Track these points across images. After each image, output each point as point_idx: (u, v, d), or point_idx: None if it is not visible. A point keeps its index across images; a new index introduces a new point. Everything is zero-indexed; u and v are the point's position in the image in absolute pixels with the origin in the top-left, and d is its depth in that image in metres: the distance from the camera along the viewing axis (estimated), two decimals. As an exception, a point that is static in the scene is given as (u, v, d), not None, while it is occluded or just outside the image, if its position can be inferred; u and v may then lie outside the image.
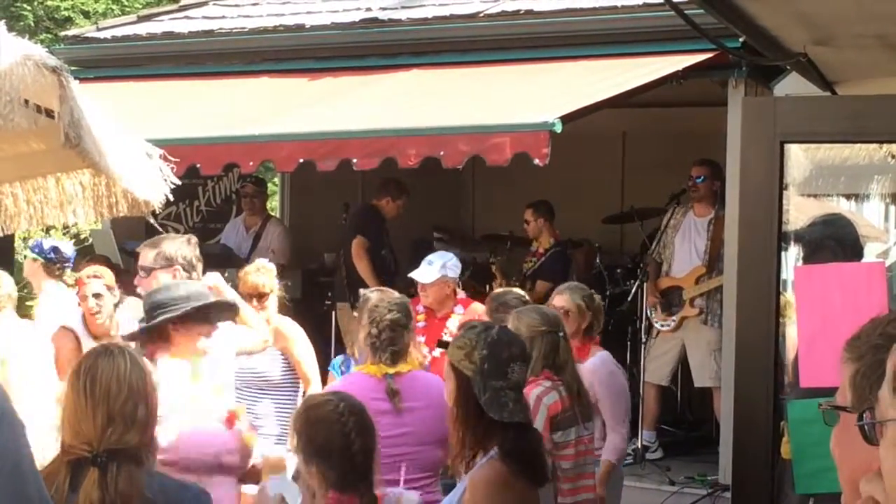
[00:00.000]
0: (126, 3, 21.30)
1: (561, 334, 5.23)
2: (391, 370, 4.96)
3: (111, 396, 3.27)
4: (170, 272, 5.12)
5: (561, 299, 6.05)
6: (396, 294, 5.91)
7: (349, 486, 3.53)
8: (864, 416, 1.72)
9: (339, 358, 6.56)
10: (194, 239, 5.39)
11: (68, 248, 8.03)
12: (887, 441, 1.65)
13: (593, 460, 5.46)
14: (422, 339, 7.43)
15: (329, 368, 6.54)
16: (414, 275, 7.45)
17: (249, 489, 4.63)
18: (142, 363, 3.42)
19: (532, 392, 5.03)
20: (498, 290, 6.97)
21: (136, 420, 3.29)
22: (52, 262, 7.81)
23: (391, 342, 5.01)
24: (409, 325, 5.11)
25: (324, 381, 6.52)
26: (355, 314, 6.30)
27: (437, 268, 7.32)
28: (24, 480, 2.37)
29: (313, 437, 3.55)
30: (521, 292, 6.43)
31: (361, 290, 6.42)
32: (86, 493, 3.18)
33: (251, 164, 8.43)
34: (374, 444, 3.63)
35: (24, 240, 16.67)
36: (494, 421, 3.74)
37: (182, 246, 5.21)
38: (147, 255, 5.21)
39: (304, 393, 6.43)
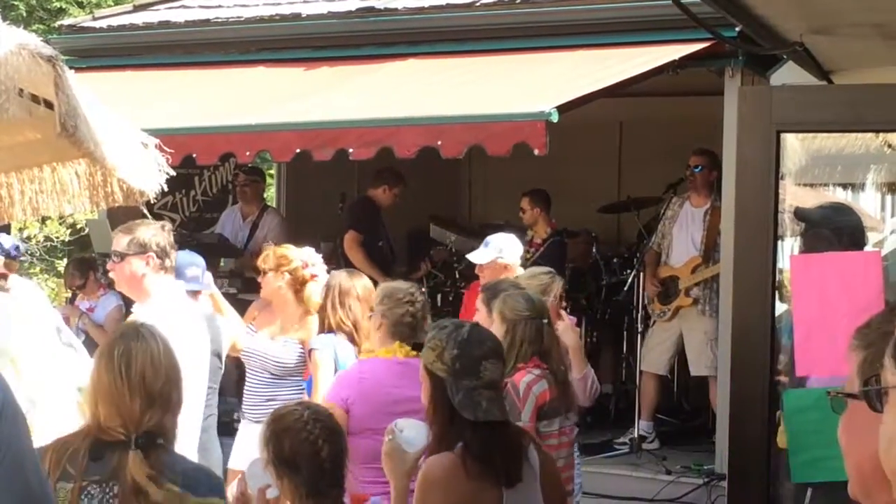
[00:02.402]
0: (121, -7, 21.23)
1: (545, 321, 5.19)
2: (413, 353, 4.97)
3: (147, 380, 3.32)
4: (143, 258, 5.12)
5: (558, 287, 6.09)
6: (366, 281, 5.97)
7: (321, 493, 3.52)
8: (870, 382, 1.73)
9: (323, 338, 5.97)
10: (168, 226, 5.38)
11: (7, 240, 7.96)
12: (890, 406, 1.66)
13: (574, 451, 5.43)
14: None
15: (314, 348, 5.94)
16: (470, 256, 7.42)
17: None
18: (170, 346, 3.44)
19: (521, 380, 5.02)
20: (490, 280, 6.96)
21: (171, 403, 3.36)
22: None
23: (422, 327, 5.04)
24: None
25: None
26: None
27: (492, 249, 7.27)
28: (25, 470, 2.37)
29: (280, 449, 3.53)
30: (513, 280, 6.42)
31: (330, 273, 6.35)
32: (131, 475, 3.22)
33: (247, 153, 8.41)
34: (343, 449, 3.60)
35: (21, 230, 16.67)
36: (466, 421, 3.66)
37: (157, 232, 5.21)
38: (121, 241, 5.19)
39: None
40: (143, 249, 5.12)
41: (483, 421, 3.66)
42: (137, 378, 3.31)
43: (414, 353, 4.98)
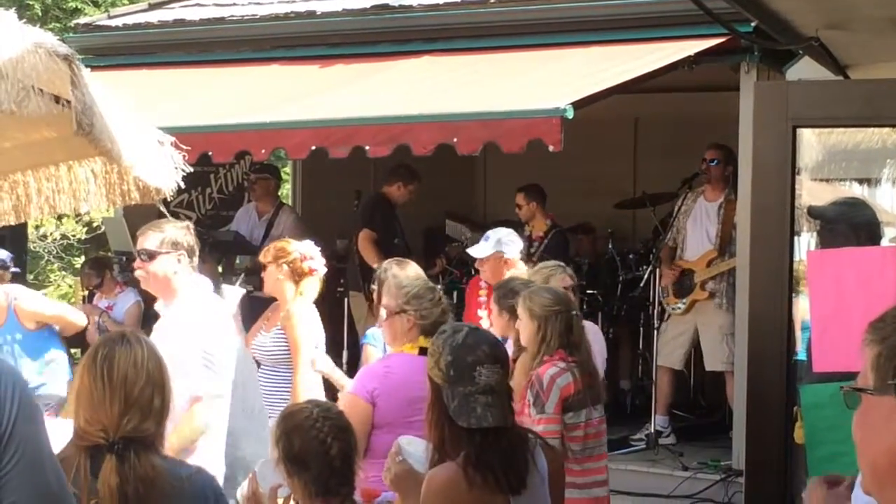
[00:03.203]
0: (136, -8, 21.24)
1: (574, 313, 5.22)
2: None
3: (128, 384, 3.25)
4: (174, 257, 5.12)
5: (565, 278, 6.09)
6: (418, 270, 5.94)
7: (331, 491, 3.52)
8: None
9: (374, 331, 6.27)
10: (192, 226, 5.41)
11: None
12: None
13: (603, 442, 5.40)
14: (484, 313, 7.47)
15: (363, 342, 6.35)
16: (470, 251, 7.45)
17: None
18: (157, 352, 3.40)
19: (546, 372, 5.06)
20: (502, 279, 6.96)
21: (152, 409, 3.28)
22: None
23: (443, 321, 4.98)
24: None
25: (355, 361, 6.43)
26: (373, 287, 6.27)
27: (492, 243, 7.32)
28: (43, 469, 2.37)
29: (290, 447, 3.53)
30: (525, 277, 6.43)
31: (381, 264, 6.35)
32: (104, 480, 3.17)
33: (263, 151, 8.43)
34: (352, 447, 3.59)
35: (37, 228, 16.73)
36: (461, 429, 3.56)
37: (186, 232, 5.24)
38: (151, 239, 5.17)
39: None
40: (175, 248, 5.13)
41: (477, 428, 3.56)
42: (119, 381, 3.24)
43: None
